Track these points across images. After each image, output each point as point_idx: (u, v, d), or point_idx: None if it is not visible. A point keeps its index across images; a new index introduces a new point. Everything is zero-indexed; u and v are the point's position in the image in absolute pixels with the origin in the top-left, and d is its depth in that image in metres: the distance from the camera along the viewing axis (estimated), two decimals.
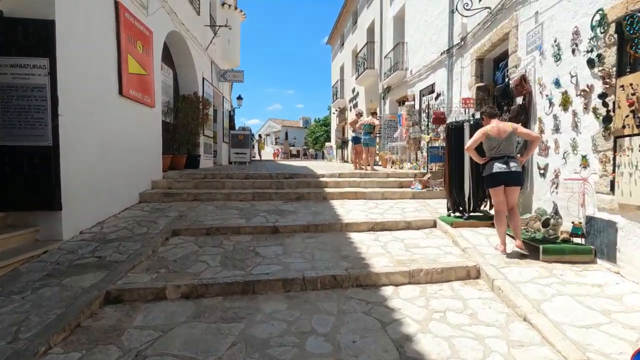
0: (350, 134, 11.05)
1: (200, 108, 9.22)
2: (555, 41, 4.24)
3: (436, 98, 7.73)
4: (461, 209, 4.90)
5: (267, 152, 33.13)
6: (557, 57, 4.20)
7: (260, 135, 31.83)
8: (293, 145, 42.20)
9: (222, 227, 4.42)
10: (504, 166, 3.62)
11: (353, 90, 16.85)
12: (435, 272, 3.31)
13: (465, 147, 4.07)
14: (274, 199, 5.98)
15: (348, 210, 5.37)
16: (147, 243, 3.84)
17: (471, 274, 3.38)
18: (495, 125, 3.75)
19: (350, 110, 17.50)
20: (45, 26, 3.60)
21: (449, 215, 4.92)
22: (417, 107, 9.03)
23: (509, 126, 3.73)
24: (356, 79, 14.90)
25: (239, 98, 22.51)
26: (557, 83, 4.18)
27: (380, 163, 10.90)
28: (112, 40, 4.83)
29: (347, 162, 17.12)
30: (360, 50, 14.75)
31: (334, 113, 21.89)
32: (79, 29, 4.09)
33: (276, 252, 3.82)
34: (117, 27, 4.90)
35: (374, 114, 8.25)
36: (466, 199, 4.85)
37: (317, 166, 11.71)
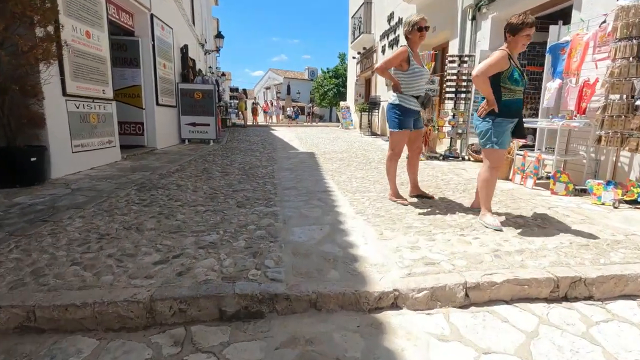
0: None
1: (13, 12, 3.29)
2: None
3: None
4: None
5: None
6: None
7: (244, 90, 23.40)
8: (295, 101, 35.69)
9: None
10: None
11: (390, 17, 10.39)
12: None
13: None
14: None
15: None
16: None
17: None
18: None
19: (384, 51, 11.07)
20: None
21: None
22: None
23: None
24: None
25: (218, 36, 15.97)
26: None
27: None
28: None
29: (377, 134, 11.11)
30: None
31: (353, 58, 15.23)
32: None
33: None
34: None
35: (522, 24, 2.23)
36: None
37: (346, 157, 5.78)
